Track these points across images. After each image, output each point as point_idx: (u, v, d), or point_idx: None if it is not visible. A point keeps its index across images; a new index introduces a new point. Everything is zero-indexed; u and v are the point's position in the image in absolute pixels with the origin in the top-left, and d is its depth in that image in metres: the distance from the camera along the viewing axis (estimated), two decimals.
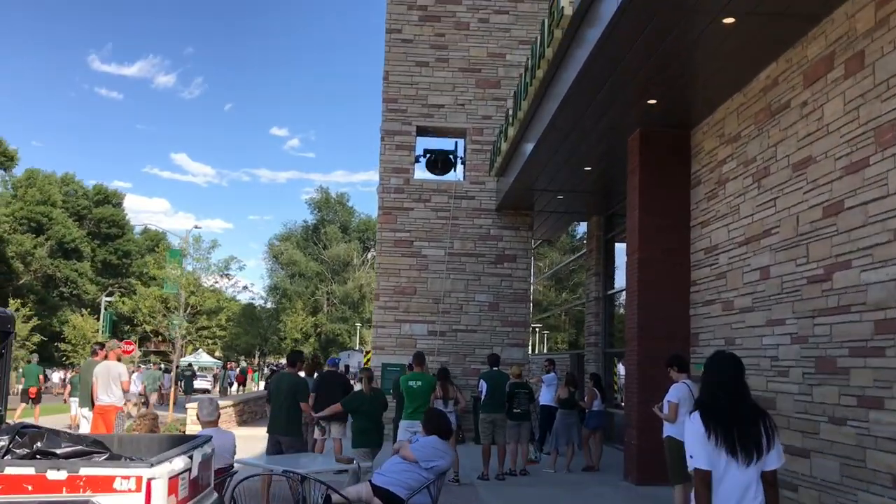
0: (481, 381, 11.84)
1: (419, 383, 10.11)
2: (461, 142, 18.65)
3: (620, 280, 16.91)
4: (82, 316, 29.41)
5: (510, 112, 14.47)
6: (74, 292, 40.37)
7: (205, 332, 22.71)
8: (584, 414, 13.41)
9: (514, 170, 15.14)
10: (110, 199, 53.79)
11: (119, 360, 11.37)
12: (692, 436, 3.72)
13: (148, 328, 20.08)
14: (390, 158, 17.99)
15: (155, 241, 46.80)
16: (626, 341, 11.97)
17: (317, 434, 11.83)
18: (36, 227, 45.87)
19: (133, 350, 28.88)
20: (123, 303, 24.35)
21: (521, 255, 18.06)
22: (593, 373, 14.66)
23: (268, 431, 8.59)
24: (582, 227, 20.38)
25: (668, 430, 8.05)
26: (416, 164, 18.38)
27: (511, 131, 14.24)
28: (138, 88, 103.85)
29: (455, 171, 18.49)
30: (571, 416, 12.87)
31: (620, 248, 17.31)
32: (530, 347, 30.60)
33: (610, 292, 17.69)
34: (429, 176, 18.40)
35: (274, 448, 8.49)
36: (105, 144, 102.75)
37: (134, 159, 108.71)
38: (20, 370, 26.65)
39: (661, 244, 11.49)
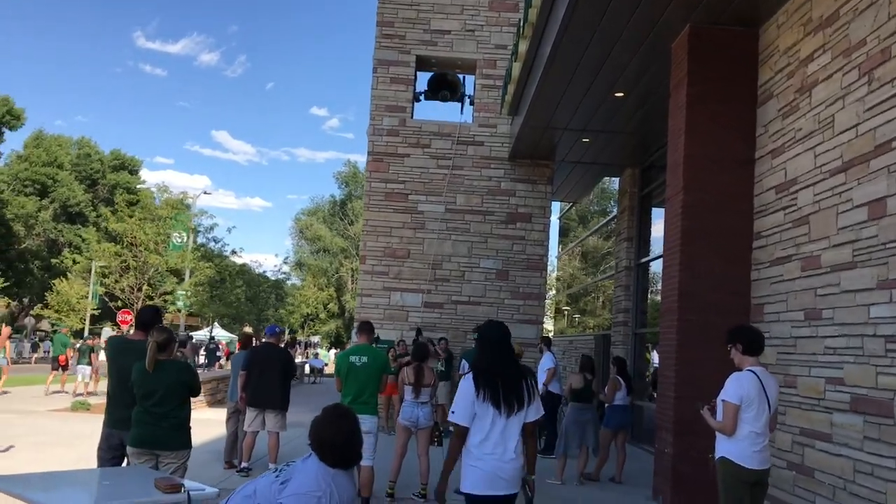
0: (463, 361, 8.90)
1: (364, 360, 7.15)
2: (470, 78, 15.63)
3: (658, 247, 13.81)
4: (67, 281, 26.98)
5: (521, 22, 11.38)
6: (79, 259, 38.19)
7: (168, 298, 20.07)
8: (603, 409, 10.42)
9: (528, 101, 12.08)
10: (126, 166, 51.53)
11: None
12: (462, 394, 4.18)
13: (101, 290, 17.50)
14: (383, 93, 15.02)
15: (172, 210, 44.51)
16: (662, 315, 8.90)
17: (248, 425, 9.02)
18: (41, 190, 43.78)
19: (131, 321, 26.46)
20: (74, 260, 21.74)
21: (538, 214, 14.99)
22: (617, 356, 11.59)
23: (108, 425, 5.64)
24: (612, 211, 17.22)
25: (721, 447, 5.01)
26: (416, 104, 15.42)
27: (522, 46, 11.17)
28: (182, 66, 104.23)
29: (462, 107, 15.49)
30: (587, 411, 9.85)
31: (659, 211, 14.22)
32: (556, 331, 27.59)
33: (644, 260, 14.56)
34: (429, 116, 15.45)
35: (111, 453, 5.58)
36: (148, 120, 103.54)
37: (176, 136, 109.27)
38: (49, 340, 26.56)
39: (713, 183, 8.38)
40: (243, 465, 8.93)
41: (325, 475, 3.75)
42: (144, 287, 16.64)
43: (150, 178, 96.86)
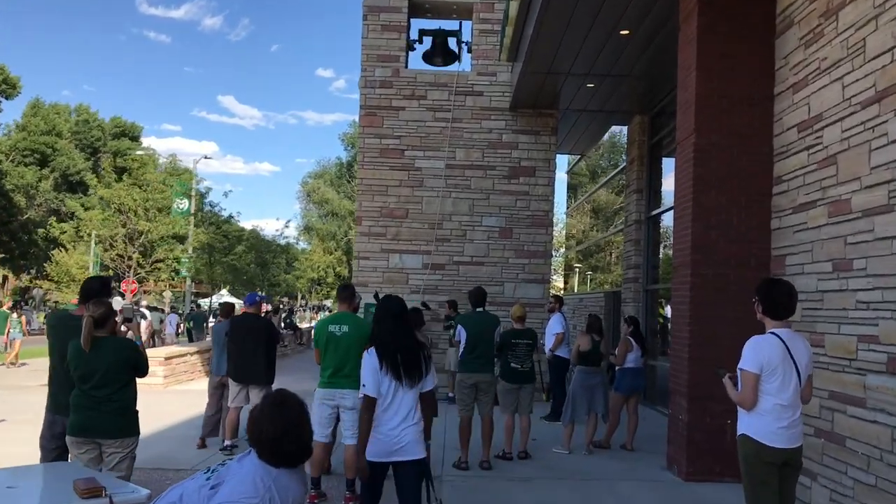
0: (458, 326, 8.22)
1: (345, 328, 6.49)
2: (467, 25, 14.75)
3: (669, 198, 13.06)
4: (67, 251, 26.28)
5: None
6: (80, 229, 37.68)
7: (160, 266, 19.47)
8: (613, 372, 9.78)
9: (527, 43, 11.25)
10: (127, 133, 50.81)
11: None
12: (368, 367, 4.42)
13: (93, 260, 16.96)
14: (375, 42, 14.16)
15: (173, 177, 43.82)
16: (675, 269, 8.20)
17: (231, 400, 8.44)
18: (40, 160, 43.13)
19: (136, 290, 25.93)
20: (62, 229, 21.02)
21: (542, 168, 14.19)
22: (630, 316, 10.91)
23: (51, 410, 5.03)
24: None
25: (742, 422, 4.33)
26: (411, 53, 14.59)
27: None
28: (186, 31, 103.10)
29: (460, 55, 14.63)
30: (595, 375, 9.21)
31: (670, 161, 13.45)
32: (566, 289, 26.90)
33: (654, 212, 13.80)
34: (424, 66, 14.58)
35: (55, 442, 4.97)
36: (154, 87, 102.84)
37: (182, 102, 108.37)
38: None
39: (727, 124, 7.61)
40: (227, 442, 8.38)
41: (265, 477, 3.11)
42: (135, 255, 16.08)
43: (158, 145, 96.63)
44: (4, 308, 18.26)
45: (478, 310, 8.26)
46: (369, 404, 4.38)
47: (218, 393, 8.90)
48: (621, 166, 15.95)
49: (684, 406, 7.61)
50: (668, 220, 13.13)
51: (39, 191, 40.19)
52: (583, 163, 22.15)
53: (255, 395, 8.29)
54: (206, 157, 52.38)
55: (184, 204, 36.14)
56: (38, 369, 17.61)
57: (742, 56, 7.63)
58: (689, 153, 7.74)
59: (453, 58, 14.64)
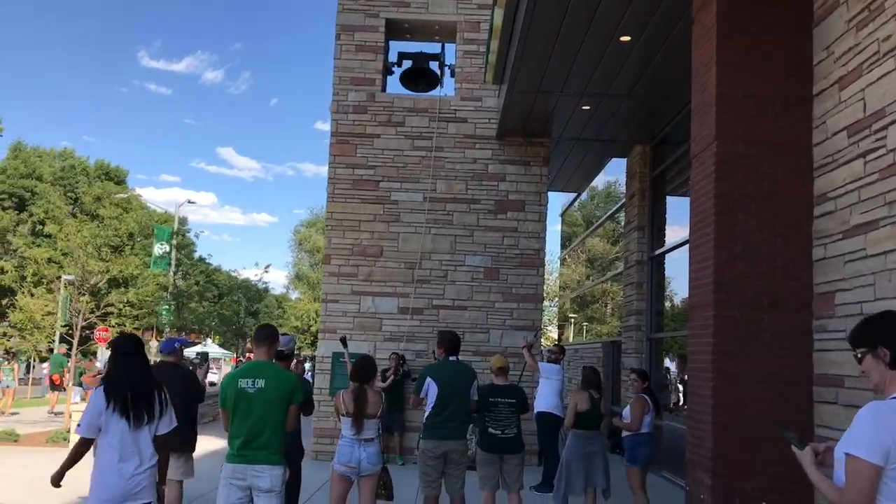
0: (427, 379, 6.60)
1: (260, 383, 4.90)
2: (451, 48, 13.47)
3: (674, 235, 11.64)
4: (32, 295, 24.47)
5: None
6: (58, 275, 35.92)
7: (111, 310, 17.93)
8: (617, 438, 8.18)
9: (514, 57, 9.90)
10: (112, 177, 49.52)
11: None
12: (92, 407, 4.31)
13: (20, 302, 15.55)
14: (348, 64, 12.85)
15: (158, 223, 42.30)
16: (692, 311, 6.64)
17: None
18: (18, 203, 41.70)
19: (106, 339, 24.28)
20: (2, 269, 19.47)
21: (532, 202, 12.75)
22: (639, 369, 9.29)
23: None
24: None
25: None
26: (389, 76, 13.30)
27: None
28: (187, 84, 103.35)
29: (442, 79, 13.33)
30: (594, 440, 7.61)
31: (673, 199, 12.06)
32: (560, 340, 25.26)
33: (659, 252, 12.31)
34: (401, 90, 13.27)
35: None
36: (155, 139, 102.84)
37: (182, 154, 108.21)
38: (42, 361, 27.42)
39: (755, 130, 6.15)
40: None
41: None
42: (84, 298, 14.58)
43: (157, 196, 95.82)
44: None
45: (450, 359, 6.68)
46: (82, 445, 4.35)
47: None
48: (620, 202, 14.52)
49: (707, 483, 5.99)
50: (674, 261, 11.65)
51: (17, 235, 38.61)
52: (578, 213, 20.70)
53: (172, 466, 6.67)
54: (189, 202, 50.98)
55: (164, 248, 34.67)
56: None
57: (772, 49, 6.22)
58: (708, 166, 6.26)
59: (435, 83, 13.36)
